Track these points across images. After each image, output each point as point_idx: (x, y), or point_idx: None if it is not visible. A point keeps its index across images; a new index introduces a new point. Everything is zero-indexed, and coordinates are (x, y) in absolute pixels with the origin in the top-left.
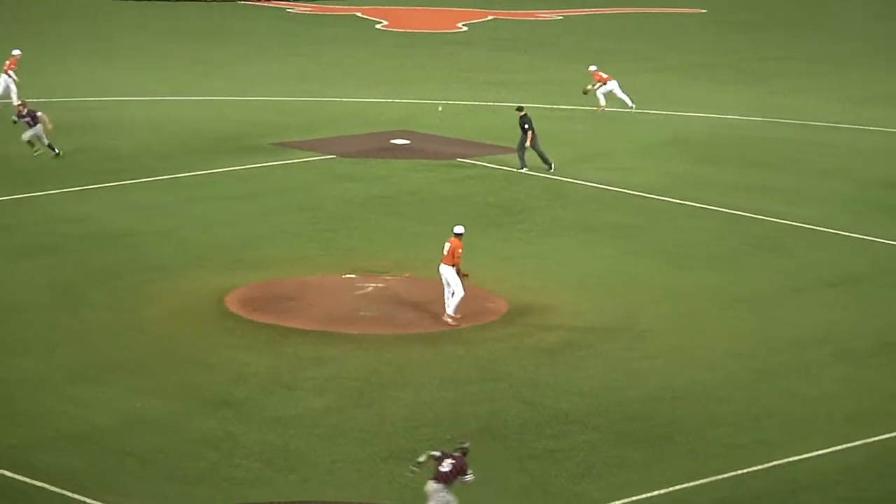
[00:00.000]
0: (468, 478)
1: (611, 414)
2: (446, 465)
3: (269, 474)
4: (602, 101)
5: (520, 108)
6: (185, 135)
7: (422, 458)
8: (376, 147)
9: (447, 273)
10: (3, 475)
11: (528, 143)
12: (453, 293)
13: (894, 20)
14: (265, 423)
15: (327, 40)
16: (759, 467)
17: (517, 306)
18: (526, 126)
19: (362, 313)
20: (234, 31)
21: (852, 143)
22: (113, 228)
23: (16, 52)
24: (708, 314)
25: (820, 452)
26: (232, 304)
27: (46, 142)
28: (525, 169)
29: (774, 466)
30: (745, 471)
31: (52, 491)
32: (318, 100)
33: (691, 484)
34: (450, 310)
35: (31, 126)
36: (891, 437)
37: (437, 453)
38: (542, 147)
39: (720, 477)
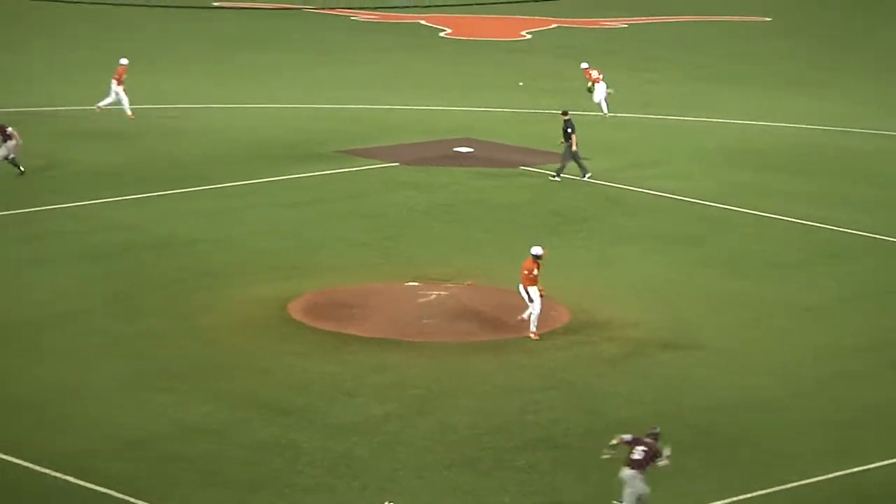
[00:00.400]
0: (662, 462)
1: (671, 423)
2: (638, 453)
3: (331, 481)
4: (605, 109)
5: (564, 113)
6: (247, 143)
7: (613, 442)
8: (439, 155)
9: (526, 292)
10: (64, 480)
11: (573, 148)
12: (531, 311)
13: None
14: (327, 430)
15: (391, 48)
16: (823, 477)
17: (579, 315)
18: (569, 130)
19: (424, 321)
20: (299, 38)
21: None
22: (171, 236)
23: (123, 60)
24: (766, 323)
25: (885, 462)
26: (294, 311)
27: (12, 156)
28: (588, 175)
29: (838, 477)
30: (807, 481)
31: (112, 496)
32: (381, 107)
33: (752, 494)
34: (532, 326)
35: (3, 143)
36: None
37: (628, 437)
38: (585, 154)
39: (782, 487)
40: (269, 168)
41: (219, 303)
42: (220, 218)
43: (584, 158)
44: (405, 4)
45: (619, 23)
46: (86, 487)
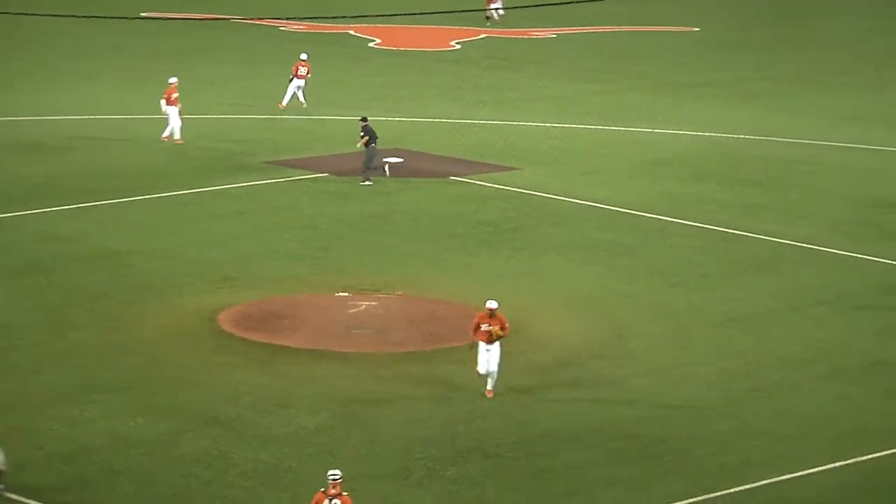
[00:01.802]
0: None
1: (602, 432)
2: None
3: (262, 493)
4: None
5: (363, 119)
6: (178, 154)
7: None
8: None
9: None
10: None
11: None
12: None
13: (880, 40)
14: (258, 441)
15: (320, 58)
16: (751, 485)
17: (510, 325)
18: (363, 134)
19: (355, 331)
20: (228, 48)
21: (844, 161)
22: (103, 247)
23: (172, 80)
24: (699, 333)
25: (812, 471)
26: (224, 322)
27: None
28: (366, 183)
29: (766, 485)
30: (736, 489)
31: None
32: (311, 118)
33: (686, 502)
34: (490, 386)
35: None
36: (883, 455)
37: None
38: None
39: (711, 496)
40: (200, 179)
41: (150, 315)
42: (153, 229)
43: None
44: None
45: (548, 33)
46: (18, 501)
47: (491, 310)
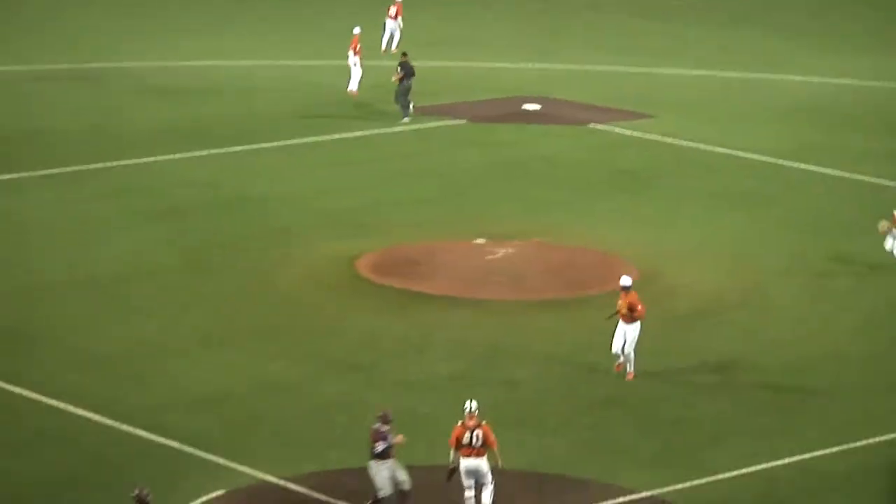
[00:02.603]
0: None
1: (741, 382)
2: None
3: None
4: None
5: (404, 55)
6: (314, 100)
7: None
8: (508, 112)
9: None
10: (137, 435)
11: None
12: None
13: None
14: (395, 387)
15: (460, 3)
16: (893, 436)
17: (647, 273)
18: (400, 70)
19: (492, 279)
20: None
21: None
22: (242, 193)
23: (356, 30)
24: (841, 282)
25: None
26: (362, 268)
27: None
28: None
29: None
30: (879, 439)
31: (185, 451)
32: (449, 64)
33: (822, 452)
34: (630, 368)
35: None
36: None
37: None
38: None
39: (853, 445)
40: (337, 125)
41: (288, 261)
42: (290, 175)
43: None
44: None
45: None
46: (160, 443)
47: (624, 287)
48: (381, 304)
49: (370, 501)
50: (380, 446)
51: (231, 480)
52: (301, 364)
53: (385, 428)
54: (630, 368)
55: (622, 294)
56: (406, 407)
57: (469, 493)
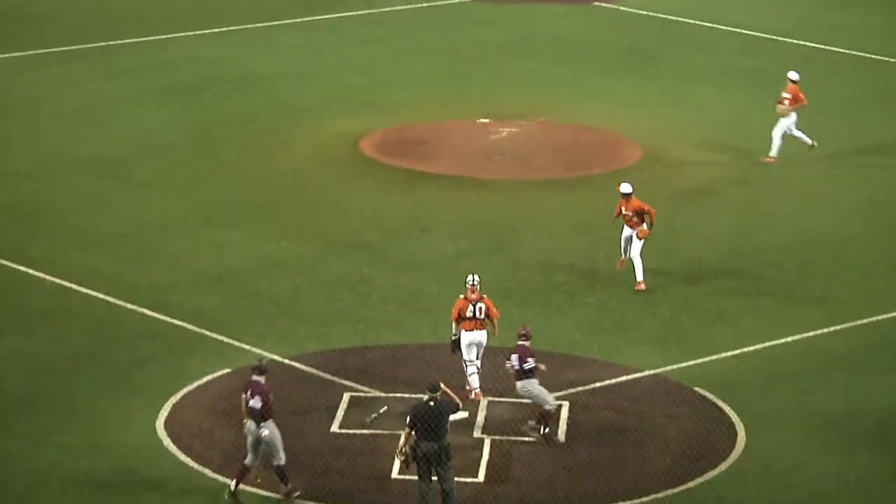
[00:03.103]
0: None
1: (744, 259)
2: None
3: (403, 317)
4: None
5: None
6: None
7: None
8: None
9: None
10: (141, 313)
11: None
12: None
13: None
14: (399, 266)
15: None
16: (894, 314)
17: (651, 152)
18: None
19: (496, 158)
20: None
21: None
22: (250, 71)
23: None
24: (844, 160)
25: None
26: (367, 147)
27: None
28: None
29: None
30: (880, 317)
31: (188, 329)
32: None
33: (825, 330)
34: (639, 277)
35: None
36: None
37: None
38: None
39: (855, 323)
40: (340, 3)
41: (295, 139)
42: (298, 53)
43: None
44: None
45: None
46: (163, 320)
47: (625, 194)
48: (385, 184)
49: (538, 419)
50: (531, 362)
51: (235, 359)
52: (305, 243)
53: (527, 343)
54: (639, 277)
55: (622, 201)
56: (411, 286)
57: (472, 368)
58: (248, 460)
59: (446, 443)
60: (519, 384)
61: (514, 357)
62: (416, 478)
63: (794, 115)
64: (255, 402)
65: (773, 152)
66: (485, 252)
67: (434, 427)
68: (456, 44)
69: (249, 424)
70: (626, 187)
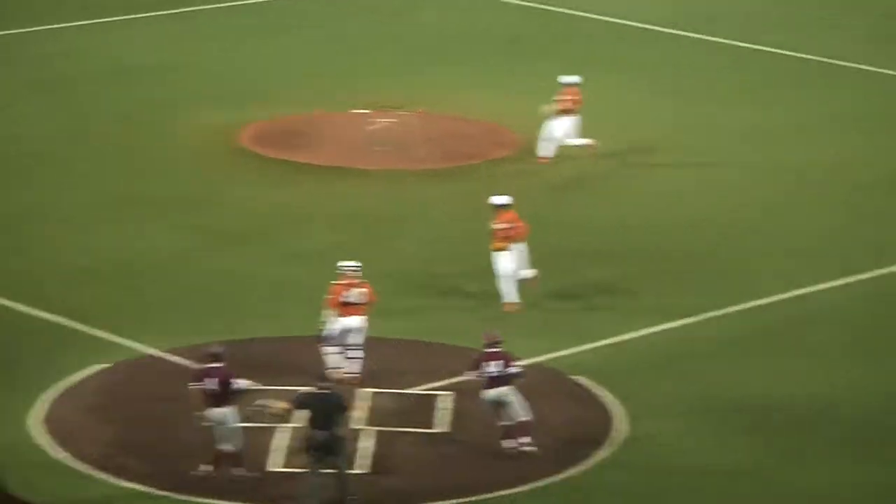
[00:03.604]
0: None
1: (623, 248)
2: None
3: (285, 309)
4: None
5: None
6: None
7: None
8: None
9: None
10: (15, 308)
11: None
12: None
13: None
14: (280, 258)
15: None
16: (774, 299)
17: (529, 143)
18: None
19: (376, 148)
20: None
21: None
22: (122, 63)
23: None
24: (726, 148)
25: (835, 283)
26: (244, 139)
27: None
28: None
29: (789, 298)
30: (759, 302)
31: (62, 324)
32: None
33: (705, 315)
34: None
35: None
36: None
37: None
38: None
39: (735, 308)
40: None
41: (171, 132)
42: (171, 44)
43: None
44: None
45: None
46: (37, 315)
47: (498, 205)
48: (264, 176)
49: (511, 433)
50: (513, 368)
51: (113, 354)
52: (184, 236)
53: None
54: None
55: (498, 215)
56: (293, 278)
57: (335, 350)
58: (220, 445)
59: (339, 433)
60: (493, 392)
61: (494, 364)
62: (294, 470)
63: (568, 119)
64: (212, 384)
65: (548, 153)
66: (366, 243)
67: (325, 414)
68: (333, 34)
69: (208, 412)
70: (500, 199)
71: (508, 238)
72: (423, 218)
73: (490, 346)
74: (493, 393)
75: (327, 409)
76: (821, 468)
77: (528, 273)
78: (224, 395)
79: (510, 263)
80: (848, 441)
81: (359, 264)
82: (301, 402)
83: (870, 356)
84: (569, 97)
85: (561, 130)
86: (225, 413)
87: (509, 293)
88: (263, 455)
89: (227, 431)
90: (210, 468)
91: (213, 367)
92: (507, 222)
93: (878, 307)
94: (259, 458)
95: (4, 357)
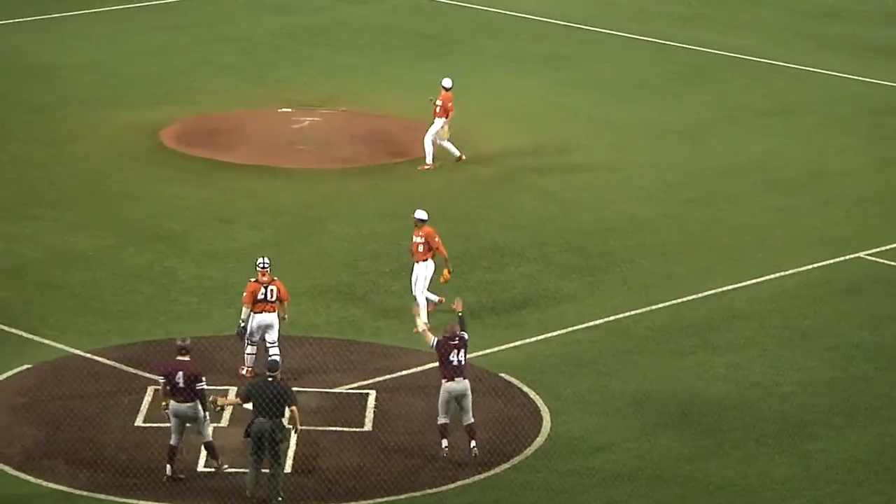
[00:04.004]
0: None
1: (546, 246)
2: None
3: (207, 308)
4: None
5: None
6: None
7: None
8: None
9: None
10: None
11: None
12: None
13: None
14: (202, 256)
15: None
16: (695, 296)
17: (452, 138)
18: None
19: (298, 147)
20: None
21: None
22: (38, 61)
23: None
24: (639, 144)
25: (754, 281)
26: (165, 137)
27: None
28: None
29: (709, 295)
30: (680, 300)
31: None
32: None
33: (628, 314)
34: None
35: None
36: (821, 266)
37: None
38: None
39: (656, 307)
40: None
41: (89, 130)
42: (88, 42)
43: None
44: None
45: None
46: None
47: (418, 220)
48: (185, 174)
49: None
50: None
51: (34, 354)
52: (103, 234)
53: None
54: (420, 320)
55: (415, 229)
56: (215, 277)
57: (252, 350)
58: (173, 441)
59: (280, 423)
60: (460, 385)
61: (454, 354)
62: (218, 469)
63: (439, 123)
64: (179, 379)
65: (429, 160)
66: (288, 241)
67: (270, 402)
68: (252, 32)
69: (173, 406)
70: (420, 213)
71: (422, 253)
72: (347, 216)
73: (451, 339)
74: (459, 387)
75: (272, 398)
76: (742, 463)
77: (433, 297)
78: (191, 390)
79: (419, 279)
80: (768, 435)
81: (267, 260)
82: (247, 393)
83: (790, 352)
84: (441, 101)
85: (433, 134)
86: (193, 407)
87: (421, 305)
88: (196, 455)
89: (197, 426)
90: (215, 466)
91: (182, 361)
92: (423, 237)
93: (798, 303)
94: (190, 459)
95: None
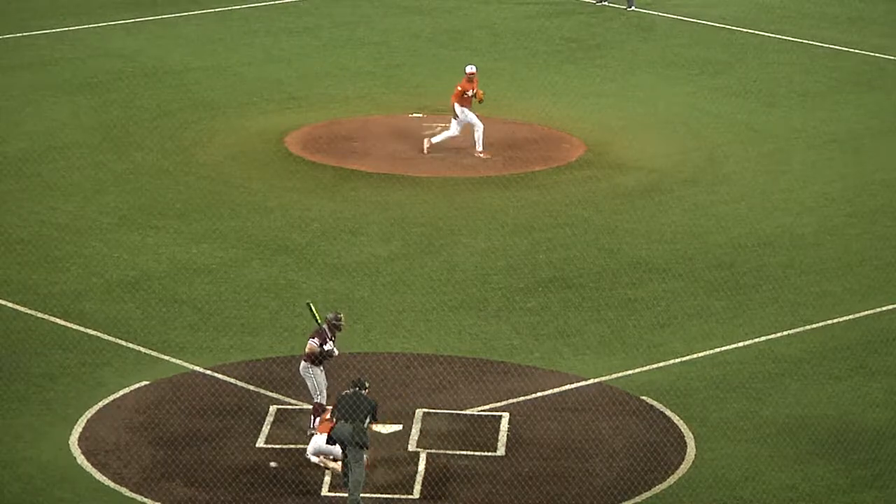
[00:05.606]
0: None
1: (693, 261)
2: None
3: None
4: None
5: None
6: None
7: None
8: None
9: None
10: (53, 323)
11: None
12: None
13: None
14: (328, 270)
15: None
16: (851, 317)
17: (594, 147)
18: None
19: (430, 155)
20: None
21: None
22: (163, 64)
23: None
24: (797, 156)
25: None
26: (292, 144)
27: None
28: (605, 1)
29: (867, 315)
30: (835, 320)
31: (103, 339)
32: None
33: (778, 335)
34: (479, 146)
35: None
36: None
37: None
38: None
39: (809, 327)
40: None
41: (214, 136)
42: (215, 45)
43: None
44: None
45: None
46: (76, 330)
47: (470, 74)
48: (312, 183)
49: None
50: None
51: (153, 370)
52: (227, 246)
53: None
54: (479, 147)
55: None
56: (341, 291)
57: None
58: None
59: (361, 427)
60: (319, 368)
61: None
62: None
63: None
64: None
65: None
66: (418, 254)
67: (351, 409)
68: (386, 35)
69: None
70: (471, 67)
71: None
72: (480, 228)
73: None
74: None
75: (354, 403)
76: None
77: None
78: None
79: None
80: None
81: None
82: (336, 400)
83: None
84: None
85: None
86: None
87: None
88: (320, 477)
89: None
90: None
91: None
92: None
93: None
94: (314, 481)
95: (44, 373)
